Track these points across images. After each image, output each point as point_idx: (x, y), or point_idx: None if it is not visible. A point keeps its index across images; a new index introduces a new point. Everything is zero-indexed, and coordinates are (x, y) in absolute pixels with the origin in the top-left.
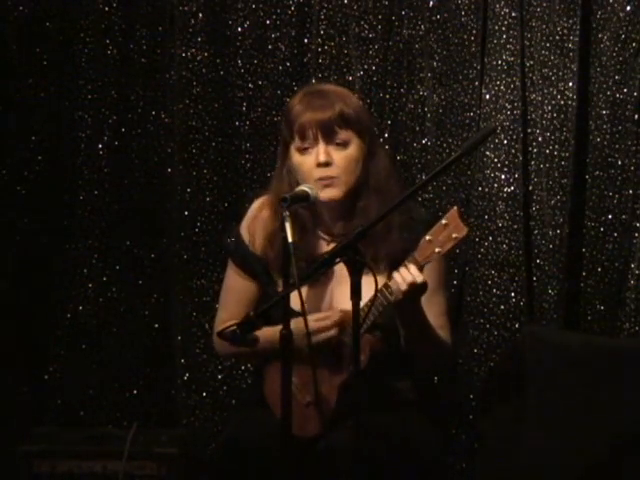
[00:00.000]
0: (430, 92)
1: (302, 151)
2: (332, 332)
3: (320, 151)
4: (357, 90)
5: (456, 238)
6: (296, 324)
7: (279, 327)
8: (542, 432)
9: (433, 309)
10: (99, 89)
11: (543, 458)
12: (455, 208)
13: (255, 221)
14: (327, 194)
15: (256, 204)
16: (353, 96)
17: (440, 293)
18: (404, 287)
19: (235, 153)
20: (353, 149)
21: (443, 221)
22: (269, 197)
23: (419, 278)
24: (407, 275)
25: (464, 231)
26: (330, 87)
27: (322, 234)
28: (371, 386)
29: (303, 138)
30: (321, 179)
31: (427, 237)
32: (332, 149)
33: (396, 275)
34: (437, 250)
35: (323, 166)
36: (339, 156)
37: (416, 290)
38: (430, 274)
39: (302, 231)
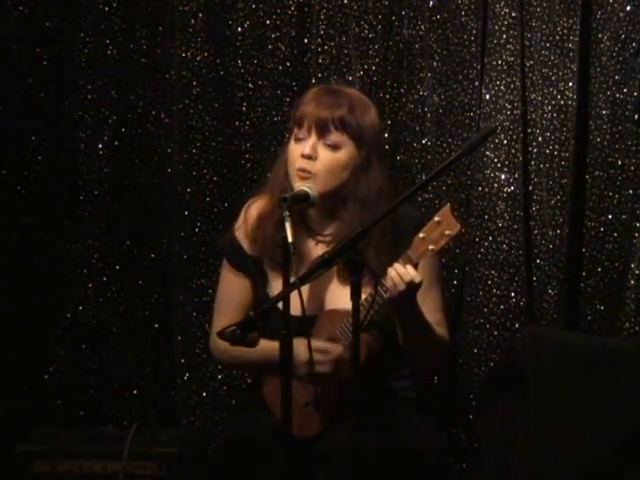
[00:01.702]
0: (430, 92)
1: (297, 140)
2: (329, 368)
3: (308, 144)
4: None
5: (449, 235)
6: (296, 347)
7: (277, 345)
8: (542, 432)
9: (429, 305)
10: (99, 89)
11: (543, 458)
12: (448, 205)
13: (249, 220)
14: (300, 187)
15: (249, 203)
16: (369, 108)
17: (435, 289)
18: (402, 287)
19: (235, 153)
20: (343, 154)
21: (436, 218)
22: (264, 194)
23: (417, 278)
24: (404, 273)
25: (457, 228)
26: (349, 91)
27: (310, 234)
28: (369, 385)
29: (300, 127)
30: (300, 170)
31: (420, 235)
32: (321, 146)
33: (392, 273)
34: (431, 247)
35: (306, 158)
36: (325, 155)
37: (412, 288)
38: (424, 270)
39: (295, 227)
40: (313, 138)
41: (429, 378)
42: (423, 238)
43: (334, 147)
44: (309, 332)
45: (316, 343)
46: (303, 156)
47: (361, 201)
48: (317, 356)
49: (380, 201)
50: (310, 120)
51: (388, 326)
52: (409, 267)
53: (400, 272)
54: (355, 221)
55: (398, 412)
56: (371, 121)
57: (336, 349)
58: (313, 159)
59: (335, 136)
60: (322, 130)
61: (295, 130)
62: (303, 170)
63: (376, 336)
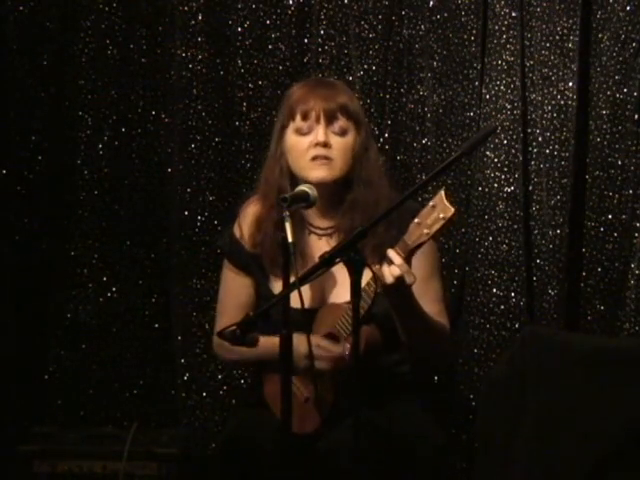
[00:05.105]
0: (430, 92)
1: (299, 133)
2: (328, 365)
3: (320, 132)
4: (357, 90)
5: (443, 218)
6: (296, 342)
7: (277, 340)
8: (542, 432)
9: (428, 296)
10: (99, 89)
11: (543, 458)
12: (442, 190)
13: (247, 218)
14: (320, 173)
15: (247, 203)
16: (352, 92)
17: (434, 279)
18: (390, 280)
19: (235, 153)
20: (350, 138)
21: (431, 203)
22: (260, 191)
23: (409, 278)
24: (394, 269)
25: (450, 211)
26: (333, 80)
27: (312, 228)
28: (369, 373)
29: (305, 119)
30: (316, 157)
31: (416, 220)
32: (330, 134)
33: (384, 267)
34: (425, 232)
35: (321, 146)
36: (337, 142)
37: (401, 285)
38: (422, 261)
39: (293, 225)
40: (323, 126)
41: (430, 367)
42: (418, 223)
43: (342, 133)
44: (309, 326)
45: (318, 340)
46: (318, 144)
47: (366, 181)
48: (317, 351)
49: (382, 179)
50: (317, 111)
51: (388, 318)
52: (398, 265)
53: (390, 265)
54: (363, 202)
55: (399, 404)
56: (358, 103)
57: (337, 348)
58: (328, 146)
59: (342, 122)
60: (331, 118)
61: (297, 123)
62: (320, 157)
63: (374, 327)
